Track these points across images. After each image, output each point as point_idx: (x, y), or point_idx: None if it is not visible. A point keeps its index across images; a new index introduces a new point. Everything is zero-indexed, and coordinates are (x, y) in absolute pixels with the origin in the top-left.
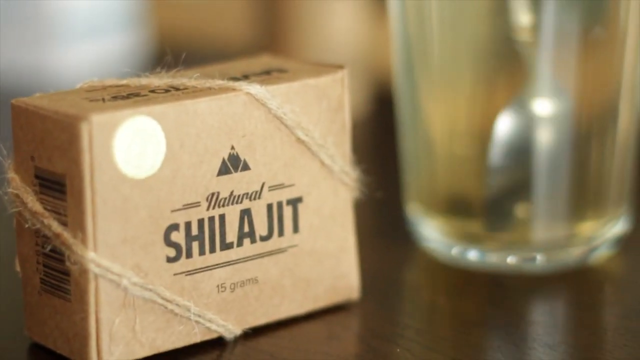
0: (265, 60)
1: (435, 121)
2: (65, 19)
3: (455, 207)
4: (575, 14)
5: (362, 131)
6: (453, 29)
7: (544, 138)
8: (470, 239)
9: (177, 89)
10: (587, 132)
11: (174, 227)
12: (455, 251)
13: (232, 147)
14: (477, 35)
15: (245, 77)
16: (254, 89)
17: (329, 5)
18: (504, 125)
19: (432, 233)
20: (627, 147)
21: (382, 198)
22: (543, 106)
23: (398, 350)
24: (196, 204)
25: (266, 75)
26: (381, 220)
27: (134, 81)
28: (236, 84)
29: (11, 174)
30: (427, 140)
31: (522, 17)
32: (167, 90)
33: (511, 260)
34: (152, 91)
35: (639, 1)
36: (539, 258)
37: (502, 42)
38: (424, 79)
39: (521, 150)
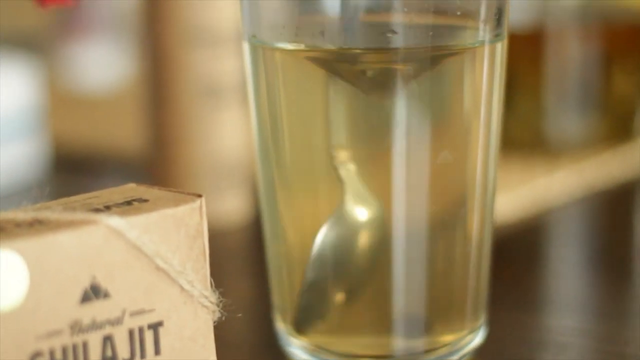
0: (128, 189)
1: (290, 231)
2: None
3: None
4: (423, 140)
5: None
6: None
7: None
8: (327, 353)
9: (40, 222)
10: (435, 245)
11: (39, 354)
12: None
13: (94, 277)
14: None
15: (107, 208)
16: (114, 221)
17: (217, 116)
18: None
19: (297, 347)
20: (480, 260)
21: (258, 313)
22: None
23: None
24: (59, 332)
25: (127, 206)
26: (255, 335)
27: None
28: (96, 217)
29: None
30: (285, 253)
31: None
32: (31, 224)
33: None
34: (18, 225)
35: (485, 129)
36: None
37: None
38: (280, 190)
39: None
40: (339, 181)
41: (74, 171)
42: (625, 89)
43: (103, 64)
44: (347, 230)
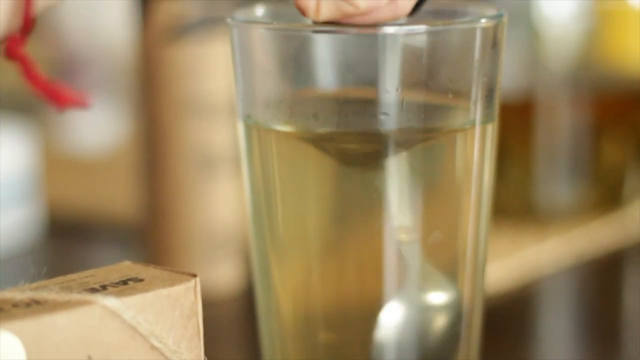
0: (124, 268)
1: (283, 306)
2: None
3: None
4: (414, 220)
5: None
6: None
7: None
8: None
9: (38, 302)
10: (426, 318)
11: None
12: None
13: (89, 357)
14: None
15: (103, 288)
16: (109, 301)
17: (210, 186)
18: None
19: None
20: (470, 331)
21: None
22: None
23: None
24: None
25: (123, 286)
26: None
27: None
28: (93, 297)
29: None
30: (278, 327)
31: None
32: (28, 305)
33: None
34: (15, 305)
35: (475, 207)
36: None
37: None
38: (275, 264)
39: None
40: (403, 260)
41: (69, 236)
42: (614, 157)
43: (98, 127)
44: (417, 311)
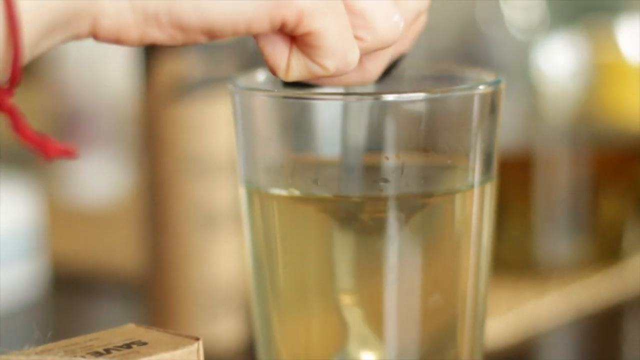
0: (128, 331)
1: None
2: None
3: None
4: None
5: None
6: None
7: None
8: None
9: None
10: None
11: None
12: None
13: None
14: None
15: (107, 351)
16: None
17: (212, 242)
18: None
19: None
20: None
21: None
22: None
23: None
24: None
25: (126, 349)
26: None
27: (2, 358)
28: None
29: None
30: None
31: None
32: None
33: None
34: None
35: (474, 266)
36: None
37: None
38: (277, 324)
39: None
40: (343, 324)
41: (72, 291)
42: (613, 212)
43: (101, 181)
44: None
